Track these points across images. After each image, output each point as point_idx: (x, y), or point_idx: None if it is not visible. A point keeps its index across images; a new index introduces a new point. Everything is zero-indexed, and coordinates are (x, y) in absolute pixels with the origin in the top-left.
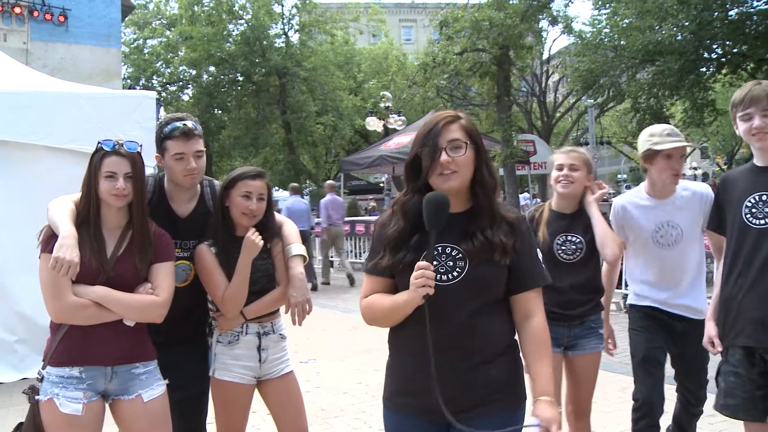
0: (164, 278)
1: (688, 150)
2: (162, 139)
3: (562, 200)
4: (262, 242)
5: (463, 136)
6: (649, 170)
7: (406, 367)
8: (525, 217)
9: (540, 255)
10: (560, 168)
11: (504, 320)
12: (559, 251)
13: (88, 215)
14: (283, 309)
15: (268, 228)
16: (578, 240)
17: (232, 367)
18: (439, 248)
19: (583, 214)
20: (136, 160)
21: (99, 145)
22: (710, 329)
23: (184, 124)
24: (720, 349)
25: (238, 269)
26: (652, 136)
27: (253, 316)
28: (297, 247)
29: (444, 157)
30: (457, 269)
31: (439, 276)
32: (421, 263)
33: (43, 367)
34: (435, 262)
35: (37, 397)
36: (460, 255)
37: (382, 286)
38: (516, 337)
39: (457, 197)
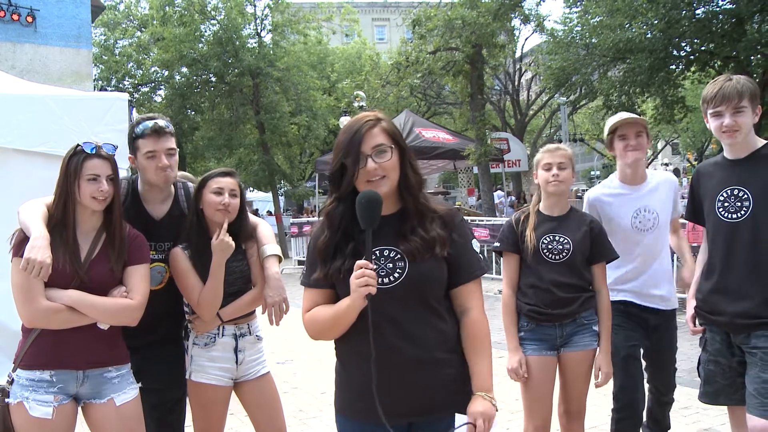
0: (139, 281)
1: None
2: (134, 139)
3: (551, 200)
4: (232, 241)
5: (386, 140)
6: (617, 158)
7: (360, 375)
8: (457, 209)
9: (477, 246)
10: (548, 168)
11: (451, 317)
12: (545, 250)
13: (62, 218)
14: (259, 310)
15: (243, 229)
16: (566, 240)
17: (209, 369)
18: (377, 251)
19: (571, 216)
20: (114, 162)
21: (79, 147)
22: (689, 309)
23: (155, 123)
24: (697, 328)
25: (212, 272)
26: (607, 126)
27: (230, 317)
28: (272, 248)
29: (370, 164)
30: (398, 270)
31: (381, 279)
32: (360, 262)
33: (14, 370)
34: (374, 266)
35: (7, 400)
36: (399, 255)
37: (323, 298)
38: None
39: (387, 200)
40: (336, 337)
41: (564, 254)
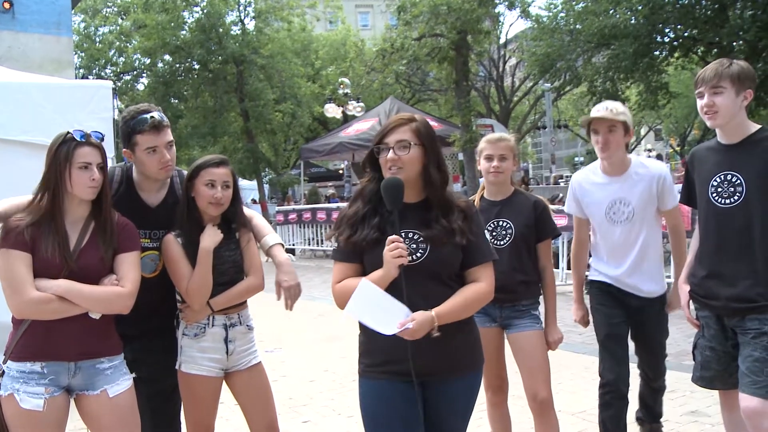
0: (129, 269)
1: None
2: (130, 134)
3: (493, 188)
4: (220, 233)
5: (411, 137)
6: None
7: (386, 340)
8: (473, 202)
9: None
10: (490, 158)
11: None
12: (490, 237)
13: (51, 208)
14: (253, 299)
15: (237, 217)
16: (508, 225)
17: (199, 360)
18: (402, 233)
19: (513, 200)
20: (103, 150)
21: (69, 135)
22: (683, 295)
23: (152, 117)
24: (693, 320)
25: (199, 259)
26: (584, 119)
27: (221, 307)
28: (274, 237)
29: (390, 155)
30: (420, 251)
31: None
32: (392, 237)
33: (4, 362)
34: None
35: None
36: (422, 239)
37: (352, 271)
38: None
39: (411, 189)
40: None
41: (507, 239)
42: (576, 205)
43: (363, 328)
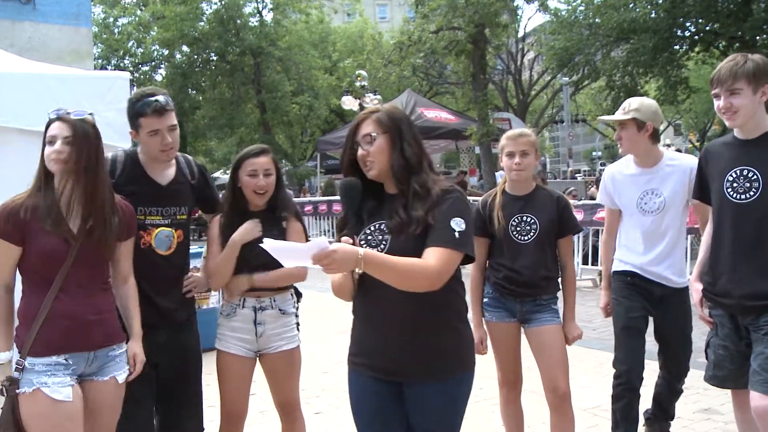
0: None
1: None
2: (135, 116)
3: (515, 184)
4: (257, 231)
5: (373, 129)
6: None
7: (359, 331)
8: (456, 188)
9: (464, 226)
10: (511, 155)
11: (444, 291)
12: (514, 232)
13: (41, 191)
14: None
15: (281, 203)
16: (532, 220)
17: (229, 339)
18: (374, 225)
19: (536, 195)
20: (77, 126)
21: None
22: (695, 292)
23: (156, 101)
24: (707, 318)
25: (226, 246)
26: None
27: (261, 285)
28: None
29: (360, 152)
30: (384, 242)
31: (375, 248)
32: (323, 252)
33: (23, 358)
34: (369, 237)
35: (18, 390)
36: (387, 229)
37: None
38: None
39: (388, 181)
40: (345, 297)
41: (532, 234)
42: (607, 196)
43: (353, 311)
